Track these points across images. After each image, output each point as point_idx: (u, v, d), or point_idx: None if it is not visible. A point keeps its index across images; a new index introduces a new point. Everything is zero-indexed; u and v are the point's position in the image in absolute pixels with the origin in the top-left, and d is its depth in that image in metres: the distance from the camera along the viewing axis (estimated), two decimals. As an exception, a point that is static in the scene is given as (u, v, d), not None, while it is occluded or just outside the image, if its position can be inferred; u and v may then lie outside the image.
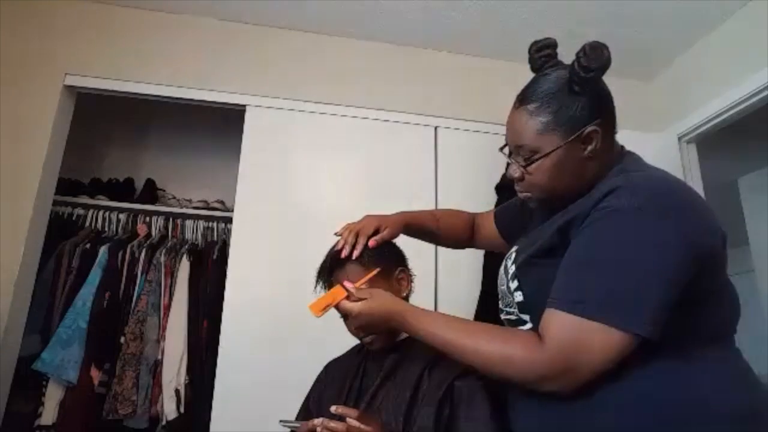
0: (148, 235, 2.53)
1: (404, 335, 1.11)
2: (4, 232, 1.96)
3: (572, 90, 0.88)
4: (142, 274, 2.32)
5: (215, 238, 2.63)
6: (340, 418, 0.90)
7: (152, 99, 2.27)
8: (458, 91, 2.49)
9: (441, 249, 2.18)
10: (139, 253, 2.36)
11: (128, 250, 2.36)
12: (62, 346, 2.07)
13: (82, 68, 2.20)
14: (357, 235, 1.08)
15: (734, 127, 2.33)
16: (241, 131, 2.25)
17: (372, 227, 1.08)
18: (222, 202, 2.71)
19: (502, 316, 1.00)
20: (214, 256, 2.42)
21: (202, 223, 2.67)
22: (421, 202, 2.18)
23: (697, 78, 2.40)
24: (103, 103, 2.43)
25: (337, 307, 1.02)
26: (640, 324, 0.73)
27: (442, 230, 1.26)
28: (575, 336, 0.75)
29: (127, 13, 2.30)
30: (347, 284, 1.01)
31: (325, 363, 1.25)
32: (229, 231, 2.45)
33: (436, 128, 2.40)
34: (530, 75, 0.97)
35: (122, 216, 2.59)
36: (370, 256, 1.08)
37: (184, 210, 2.66)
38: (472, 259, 2.09)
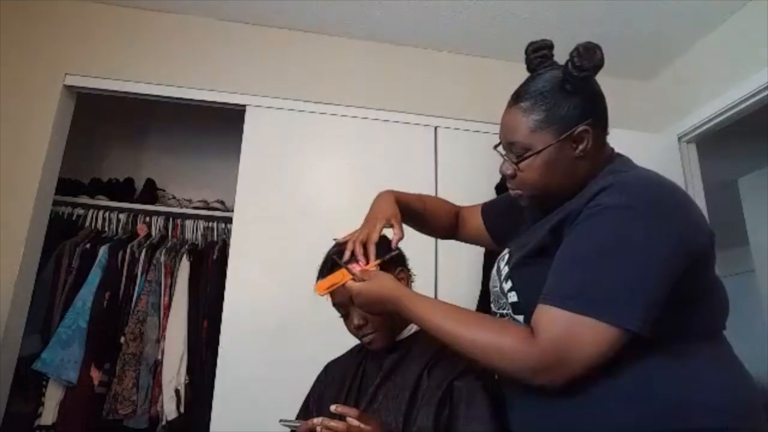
0: (148, 235, 2.53)
1: (404, 335, 1.11)
2: (4, 232, 1.96)
3: (565, 89, 0.90)
4: (142, 274, 2.32)
5: (215, 238, 2.63)
6: (340, 417, 0.90)
7: (152, 99, 2.27)
8: (458, 91, 2.49)
9: (441, 249, 2.19)
10: (139, 253, 2.36)
11: (128, 250, 2.36)
12: (62, 346, 2.07)
13: (82, 68, 2.20)
14: (365, 245, 1.04)
15: (734, 127, 2.33)
16: (241, 131, 2.25)
17: (378, 231, 1.05)
18: (222, 202, 2.71)
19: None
20: (214, 256, 2.42)
21: (202, 223, 2.67)
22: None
23: (697, 78, 2.40)
24: (103, 103, 2.43)
25: (335, 293, 1.02)
26: (631, 319, 0.74)
27: (428, 213, 1.24)
28: (566, 330, 0.76)
29: (127, 13, 2.31)
30: (353, 266, 1.01)
31: (325, 363, 1.25)
32: (229, 231, 2.45)
33: (436, 128, 2.40)
34: (530, 75, 0.98)
35: (122, 216, 2.59)
36: (370, 255, 1.08)
37: (184, 210, 2.66)
38: (472, 259, 2.09)
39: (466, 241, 1.34)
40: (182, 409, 2.09)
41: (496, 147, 1.00)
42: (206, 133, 2.91)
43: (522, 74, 0.99)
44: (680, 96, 2.49)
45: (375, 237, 1.04)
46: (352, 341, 1.17)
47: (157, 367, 2.16)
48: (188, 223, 2.65)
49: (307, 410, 1.17)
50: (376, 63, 2.47)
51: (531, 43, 0.98)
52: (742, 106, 2.14)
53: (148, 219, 2.60)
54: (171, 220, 2.63)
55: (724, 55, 2.25)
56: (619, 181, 0.83)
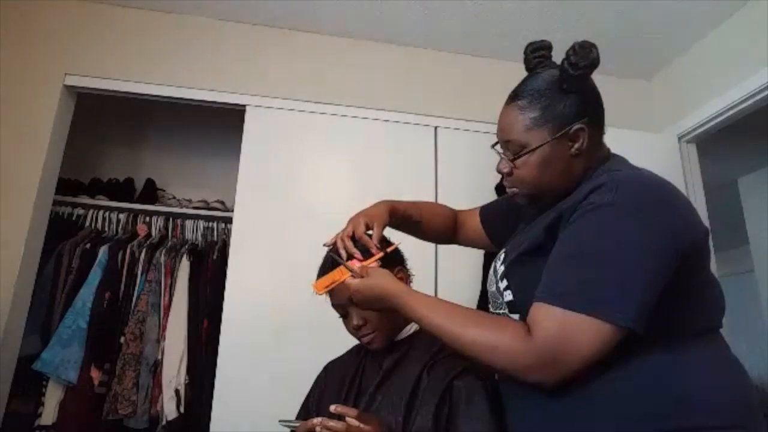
0: (148, 235, 2.53)
1: (403, 335, 1.12)
2: (4, 232, 1.96)
3: (562, 88, 0.91)
4: (142, 274, 2.32)
5: (215, 238, 2.63)
6: (340, 417, 0.90)
7: (152, 99, 2.27)
8: (458, 91, 2.49)
9: (441, 248, 2.19)
10: (139, 253, 2.36)
11: (128, 250, 2.36)
12: (62, 346, 2.07)
13: (82, 68, 2.20)
14: (351, 239, 1.05)
15: (734, 127, 2.33)
16: (241, 131, 2.25)
17: (362, 225, 1.06)
18: (222, 202, 2.72)
19: None
20: (214, 256, 2.42)
21: (202, 223, 2.67)
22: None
23: (697, 78, 2.40)
24: (103, 103, 2.44)
25: (334, 293, 1.01)
26: (625, 316, 0.75)
27: (424, 220, 1.24)
28: (561, 328, 0.76)
29: (127, 13, 2.31)
30: (351, 263, 1.01)
31: (324, 363, 1.25)
32: (229, 231, 2.45)
33: (436, 128, 2.40)
34: (529, 75, 0.98)
35: (122, 216, 2.59)
36: (368, 255, 1.08)
37: (184, 210, 2.66)
38: (472, 259, 2.09)
39: (465, 245, 1.34)
40: (182, 409, 2.09)
41: (494, 146, 1.00)
42: (206, 133, 2.91)
43: (522, 74, 1.00)
44: (680, 96, 2.49)
45: (359, 232, 1.04)
46: (352, 341, 1.17)
47: (157, 367, 2.15)
48: (188, 223, 2.65)
49: (306, 410, 1.17)
50: (376, 63, 2.47)
51: (530, 44, 1.00)
52: (742, 106, 2.14)
53: (148, 219, 2.60)
54: (171, 220, 2.63)
55: (724, 55, 2.25)
56: (611, 180, 0.84)
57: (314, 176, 2.26)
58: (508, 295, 0.93)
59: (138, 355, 2.15)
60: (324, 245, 1.09)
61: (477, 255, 2.07)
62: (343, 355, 1.24)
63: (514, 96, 0.95)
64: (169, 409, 2.08)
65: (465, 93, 2.49)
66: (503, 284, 0.95)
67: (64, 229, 2.40)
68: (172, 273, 2.34)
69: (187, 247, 2.45)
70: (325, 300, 1.10)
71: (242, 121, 2.26)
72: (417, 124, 2.39)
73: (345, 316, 1.11)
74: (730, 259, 4.27)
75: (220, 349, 1.99)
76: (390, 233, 1.16)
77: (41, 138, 2.09)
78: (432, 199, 2.27)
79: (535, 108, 0.91)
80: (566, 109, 0.90)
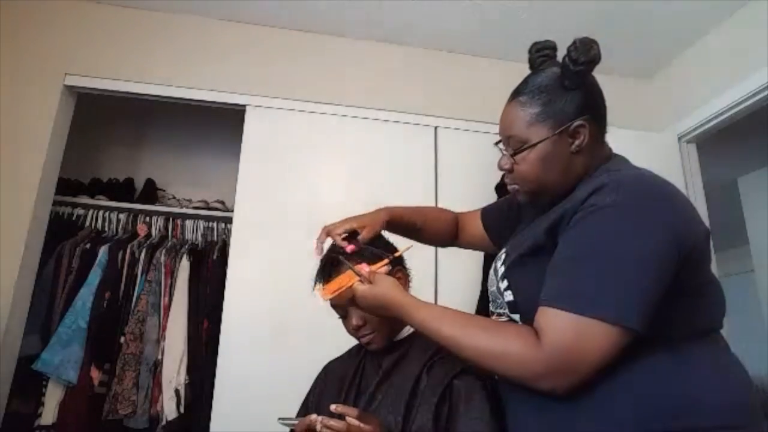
0: (148, 235, 2.53)
1: (403, 335, 1.11)
2: (4, 232, 1.96)
3: (563, 85, 0.91)
4: (142, 274, 2.32)
5: (215, 238, 2.63)
6: (340, 417, 0.90)
7: (152, 99, 2.28)
8: (458, 91, 2.49)
9: (441, 249, 2.19)
10: (139, 253, 2.36)
11: (128, 250, 2.36)
12: (62, 346, 2.07)
13: (82, 68, 2.20)
14: (327, 234, 1.10)
15: (734, 127, 2.33)
16: (241, 131, 2.25)
17: (342, 227, 1.09)
18: (222, 202, 2.71)
19: (493, 318, 1.01)
20: (214, 256, 2.42)
21: (202, 223, 2.67)
22: (421, 203, 2.18)
23: (696, 78, 2.40)
24: (103, 103, 2.44)
25: (340, 296, 1.01)
26: (634, 318, 0.74)
27: (426, 225, 1.24)
28: (572, 333, 0.75)
29: (127, 13, 2.31)
30: (360, 267, 1.01)
31: (324, 363, 1.25)
32: (229, 231, 2.45)
33: (436, 128, 2.40)
34: (531, 75, 0.98)
35: (122, 216, 2.59)
36: (368, 255, 1.08)
37: (184, 210, 2.66)
38: (472, 259, 2.09)
39: (467, 247, 1.34)
40: (182, 409, 2.09)
41: (497, 144, 1.00)
42: (206, 133, 2.91)
43: (522, 74, 1.00)
44: (680, 96, 2.49)
45: (337, 229, 1.09)
46: (352, 341, 1.17)
47: (157, 367, 2.15)
48: (188, 223, 2.65)
49: (306, 410, 1.17)
50: (376, 63, 2.47)
51: (535, 44, 1.00)
52: (742, 106, 2.14)
53: (148, 219, 2.60)
54: (171, 220, 2.63)
55: (724, 55, 2.25)
56: (612, 180, 0.83)
57: (314, 176, 2.26)
58: (509, 296, 0.93)
59: (138, 355, 2.15)
60: (316, 256, 1.11)
61: (477, 255, 2.07)
62: (343, 355, 1.24)
63: (516, 92, 0.95)
64: (169, 409, 2.08)
65: (465, 93, 2.49)
66: (504, 284, 0.95)
67: (64, 229, 2.40)
68: (172, 273, 2.34)
69: (187, 247, 2.45)
70: (325, 300, 1.10)
71: (242, 121, 2.26)
72: (417, 124, 2.39)
73: (344, 316, 1.11)
74: (730, 259, 4.27)
75: (220, 349, 1.99)
76: (396, 240, 1.17)
77: (41, 138, 2.09)
78: (432, 200, 2.27)
79: (536, 104, 0.91)
80: (567, 105, 0.90)
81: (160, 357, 2.16)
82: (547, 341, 0.76)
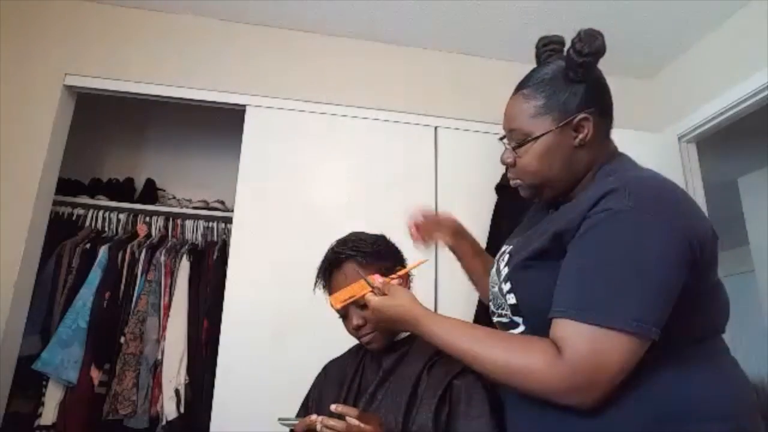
0: (148, 235, 2.53)
1: (403, 335, 1.11)
2: (4, 232, 1.96)
3: (568, 77, 0.89)
4: (142, 274, 2.32)
5: (215, 238, 2.63)
6: (340, 417, 0.90)
7: (152, 99, 2.27)
8: (458, 91, 2.49)
9: (440, 249, 2.18)
10: (139, 253, 2.36)
11: (128, 250, 2.36)
12: (62, 346, 2.07)
13: (82, 68, 2.20)
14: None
15: (734, 127, 2.33)
16: (241, 131, 2.25)
17: (438, 219, 1.17)
18: (222, 202, 2.71)
19: (494, 319, 0.99)
20: (214, 256, 2.42)
21: (202, 223, 2.67)
22: (421, 203, 2.17)
23: (697, 78, 2.40)
24: (103, 103, 2.43)
25: (355, 302, 1.01)
26: (652, 328, 0.73)
27: (481, 259, 1.23)
28: (594, 346, 0.73)
29: (127, 13, 2.31)
30: (373, 278, 0.99)
31: (324, 363, 1.25)
32: (229, 231, 2.45)
33: (436, 128, 2.40)
34: (531, 75, 0.98)
35: (122, 216, 2.59)
36: (368, 255, 1.08)
37: (184, 210, 2.66)
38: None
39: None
40: (182, 409, 2.09)
41: (501, 139, 0.99)
42: (206, 133, 2.91)
43: (522, 74, 0.99)
44: (680, 96, 2.49)
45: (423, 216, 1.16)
46: (352, 341, 1.17)
47: (157, 367, 2.15)
48: (188, 223, 2.65)
49: (306, 410, 1.17)
50: (376, 63, 2.47)
51: (542, 38, 0.99)
52: (742, 106, 2.14)
53: (148, 219, 2.60)
54: (171, 220, 2.63)
55: (724, 55, 2.25)
56: (621, 185, 0.81)
57: (314, 176, 2.25)
58: (512, 299, 0.92)
59: (138, 355, 2.15)
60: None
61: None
62: (343, 355, 1.24)
63: (520, 85, 0.95)
64: (169, 409, 2.08)
65: (465, 93, 2.49)
66: (507, 286, 0.93)
67: (64, 229, 2.40)
68: (172, 273, 2.34)
69: (187, 247, 2.45)
70: (325, 300, 1.10)
71: (242, 121, 2.26)
72: (417, 124, 2.39)
73: (345, 316, 1.11)
74: (730, 259, 4.26)
75: (220, 349, 1.99)
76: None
77: (41, 138, 2.09)
78: (432, 199, 2.26)
79: (540, 96, 0.90)
80: (571, 98, 0.89)
81: (160, 357, 2.16)
82: (568, 356, 0.74)
